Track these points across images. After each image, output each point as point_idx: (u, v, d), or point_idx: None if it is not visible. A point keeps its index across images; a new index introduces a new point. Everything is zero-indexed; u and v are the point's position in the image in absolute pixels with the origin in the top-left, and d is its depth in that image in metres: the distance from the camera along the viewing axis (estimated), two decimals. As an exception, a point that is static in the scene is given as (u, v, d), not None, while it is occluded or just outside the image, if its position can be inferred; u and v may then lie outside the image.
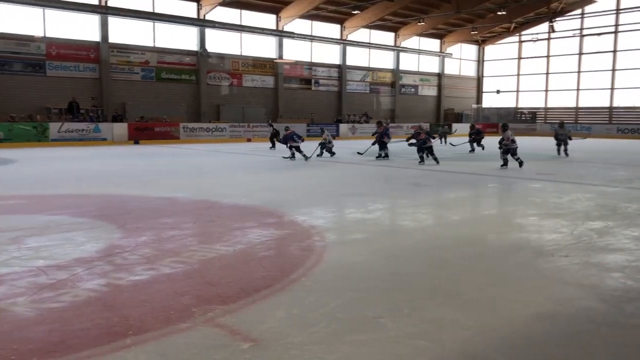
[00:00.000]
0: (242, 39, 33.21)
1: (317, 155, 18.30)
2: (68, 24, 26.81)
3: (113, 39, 28.15)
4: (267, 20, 33.71)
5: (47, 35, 26.28)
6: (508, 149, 15.13)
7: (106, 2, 27.19)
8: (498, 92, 47.60)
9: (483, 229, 7.56)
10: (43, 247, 5.96)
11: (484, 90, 49.08)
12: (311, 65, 36.91)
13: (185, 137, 27.73)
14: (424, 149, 16.30)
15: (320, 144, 18.78)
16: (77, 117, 25.57)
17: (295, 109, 35.42)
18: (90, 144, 24.15)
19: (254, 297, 4.41)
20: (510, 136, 15.14)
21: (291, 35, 34.21)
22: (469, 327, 3.87)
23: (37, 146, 22.44)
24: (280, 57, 34.64)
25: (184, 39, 30.83)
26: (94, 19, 27.51)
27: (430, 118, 43.94)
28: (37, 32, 25.97)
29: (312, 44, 36.68)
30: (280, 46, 34.55)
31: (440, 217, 8.72)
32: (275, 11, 33.71)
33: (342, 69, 38.38)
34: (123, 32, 28.54)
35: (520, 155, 15.27)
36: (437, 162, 16.09)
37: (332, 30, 37.34)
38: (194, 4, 30.62)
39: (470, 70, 48.57)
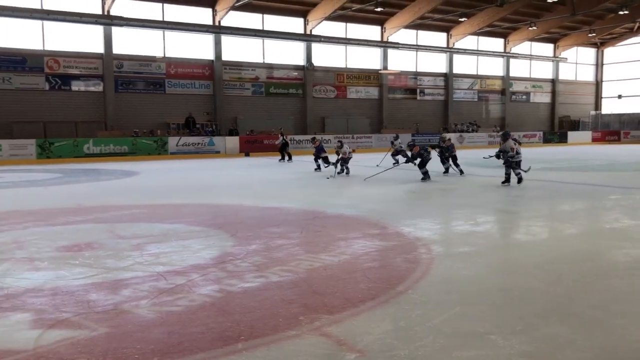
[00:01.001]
0: (347, 52, 33.64)
1: (338, 173, 16.05)
2: (185, 44, 28.62)
3: (226, 56, 29.65)
4: (371, 32, 33.90)
5: (167, 55, 28.25)
6: (512, 162, 13.01)
7: (219, 22, 28.72)
8: (620, 97, 44.34)
9: (602, 243, 7.05)
10: (162, 254, 6.36)
11: (603, 95, 45.96)
12: (416, 74, 36.55)
13: (291, 149, 28.45)
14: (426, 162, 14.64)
15: (339, 159, 16.10)
16: (193, 131, 27.16)
17: (399, 118, 35.22)
18: (205, 157, 25.50)
19: (360, 308, 4.41)
20: (513, 146, 12.99)
21: (396, 45, 34.13)
22: (587, 348, 3.62)
23: (158, 159, 24.08)
24: (385, 67, 34.62)
25: (291, 54, 31.79)
26: (209, 39, 29.14)
27: (544, 126, 41.86)
28: (158, 53, 27.99)
29: (417, 54, 36.34)
30: (385, 57, 34.56)
31: (555, 230, 8.25)
32: (380, 22, 33.81)
33: (448, 78, 37.63)
34: (235, 49, 29.98)
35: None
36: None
37: (437, 38, 36.77)
38: (301, 20, 31.49)
39: (587, 75, 45.69)
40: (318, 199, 11.33)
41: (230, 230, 7.75)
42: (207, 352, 3.61)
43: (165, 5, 27.59)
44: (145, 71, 27.80)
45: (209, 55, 29.36)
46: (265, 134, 28.74)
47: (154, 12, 27.31)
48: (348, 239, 7.12)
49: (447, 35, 37.09)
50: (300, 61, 32.14)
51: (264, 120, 30.22)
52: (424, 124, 35.69)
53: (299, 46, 32.00)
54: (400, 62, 35.46)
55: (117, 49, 26.87)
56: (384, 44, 33.97)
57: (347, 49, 33.54)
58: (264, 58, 31.03)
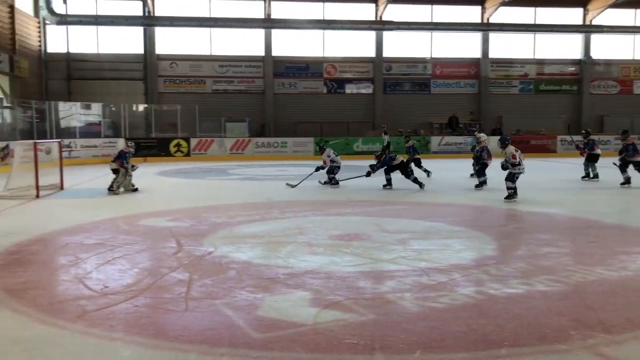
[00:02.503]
0: (636, 41, 29.69)
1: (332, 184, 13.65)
2: (451, 44, 28.67)
3: (493, 54, 28.84)
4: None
5: (433, 55, 28.70)
6: (514, 175, 10.78)
7: (487, 20, 28.06)
8: None
9: None
10: (425, 251, 6.52)
11: None
12: None
13: (561, 150, 26.34)
14: (392, 170, 12.89)
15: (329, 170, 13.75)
16: (456, 131, 27.09)
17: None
18: (468, 157, 25.11)
19: (645, 332, 3.90)
20: (514, 153, 10.83)
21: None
22: None
23: (420, 158, 24.57)
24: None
25: (565, 47, 29.39)
26: (476, 37, 28.68)
27: None
28: (425, 54, 28.61)
29: None
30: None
31: None
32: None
33: None
34: (503, 46, 28.94)
35: None
36: (421, 187, 12.62)
37: None
38: (580, 10, 28.87)
39: None
40: (592, 207, 10.30)
41: (492, 233, 7.55)
42: (469, 352, 3.60)
43: (434, 6, 28.05)
44: (411, 72, 28.71)
45: (476, 53, 28.90)
46: (532, 133, 27.14)
47: (423, 14, 28.01)
48: (631, 253, 6.33)
49: None
50: (577, 55, 29.47)
51: (531, 119, 28.51)
52: None
53: (576, 39, 29.35)
54: None
55: (386, 52, 28.29)
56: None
57: (634, 38, 29.62)
58: (534, 54, 29.30)
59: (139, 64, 27.13)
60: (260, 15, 27.34)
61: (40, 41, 26.03)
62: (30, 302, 4.61)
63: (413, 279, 5.28)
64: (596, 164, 14.28)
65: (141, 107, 26.38)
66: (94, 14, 25.91)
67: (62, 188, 12.54)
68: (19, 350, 3.64)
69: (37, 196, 11.15)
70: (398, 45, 28.36)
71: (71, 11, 25.91)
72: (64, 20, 25.04)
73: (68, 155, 18.85)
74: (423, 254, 6.35)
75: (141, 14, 26.61)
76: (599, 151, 14.46)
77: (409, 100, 28.69)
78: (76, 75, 26.76)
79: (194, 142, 24.11)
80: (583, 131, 15.36)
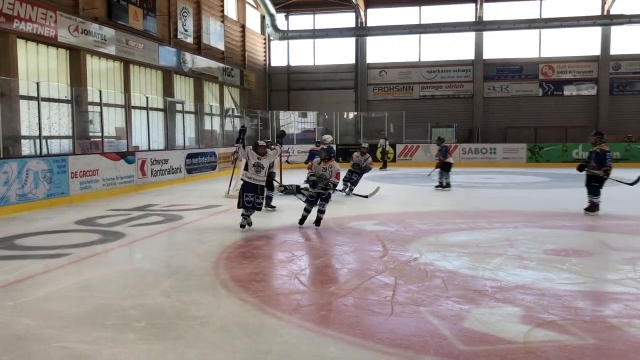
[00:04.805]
0: None
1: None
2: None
3: None
4: None
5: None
6: None
7: None
8: None
9: None
10: (660, 273, 5.71)
11: None
12: None
13: None
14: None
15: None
16: (701, 136, 23.29)
17: None
18: None
19: None
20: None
21: None
22: None
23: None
24: None
25: None
26: None
27: None
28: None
29: None
30: None
31: None
32: None
33: None
34: None
35: None
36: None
37: None
38: None
39: None
40: None
41: None
42: None
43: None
44: (646, 71, 25.51)
45: None
46: None
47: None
48: None
49: None
50: None
51: None
52: None
53: None
54: None
55: (614, 50, 25.52)
56: None
57: None
58: None
59: (350, 73, 28.47)
60: (471, 18, 26.69)
61: (265, 56, 28.85)
62: (253, 292, 5.11)
63: (644, 304, 4.66)
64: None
65: (351, 115, 27.59)
66: (311, 28, 27.90)
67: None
68: (244, 334, 4.06)
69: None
70: (628, 41, 25.37)
71: (292, 27, 28.26)
72: (286, 35, 27.45)
73: (287, 160, 20.50)
74: (657, 276, 5.57)
75: (354, 24, 27.88)
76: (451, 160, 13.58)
77: (640, 102, 25.51)
78: (295, 86, 29.08)
79: (399, 147, 24.44)
80: None
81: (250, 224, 8.31)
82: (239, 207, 8.26)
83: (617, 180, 9.96)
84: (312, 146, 19.16)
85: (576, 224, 8.79)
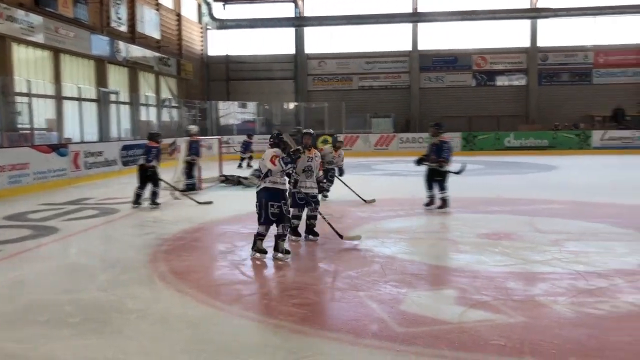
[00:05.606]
0: None
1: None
2: (617, 29, 26.15)
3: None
4: None
5: (596, 43, 26.42)
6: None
7: (662, 0, 25.17)
8: None
9: None
10: (582, 253, 6.05)
11: None
12: None
13: None
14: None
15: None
16: (622, 124, 24.69)
17: None
18: (636, 152, 22.84)
19: None
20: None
21: None
22: None
23: (579, 154, 22.80)
24: None
25: None
26: (647, 20, 25.93)
27: None
28: (586, 42, 26.43)
29: None
30: None
31: None
32: None
33: None
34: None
35: None
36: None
37: None
38: None
39: None
40: None
41: (664, 237, 6.80)
42: (633, 365, 3.30)
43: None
44: (570, 62, 26.79)
45: (646, 38, 26.12)
46: None
47: (583, -2, 25.94)
48: None
49: None
50: None
51: None
52: None
53: None
54: None
55: (541, 42, 26.64)
56: None
57: None
58: None
59: (290, 63, 28.41)
60: (408, 9, 27.14)
61: (202, 45, 28.34)
62: (193, 284, 5.06)
63: (568, 283, 4.94)
64: None
65: (291, 105, 27.55)
66: (250, 17, 27.61)
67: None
68: (184, 326, 4.02)
69: (200, 188, 12.14)
70: (555, 34, 26.56)
71: (229, 16, 27.87)
72: (224, 24, 27.05)
73: (226, 151, 20.27)
74: (580, 256, 5.90)
75: (293, 15, 27.79)
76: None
77: (567, 91, 26.77)
78: (234, 76, 28.73)
79: (339, 138, 24.59)
80: None
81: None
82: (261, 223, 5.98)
83: (449, 172, 9.08)
84: (245, 137, 19.20)
85: (507, 209, 9.16)
